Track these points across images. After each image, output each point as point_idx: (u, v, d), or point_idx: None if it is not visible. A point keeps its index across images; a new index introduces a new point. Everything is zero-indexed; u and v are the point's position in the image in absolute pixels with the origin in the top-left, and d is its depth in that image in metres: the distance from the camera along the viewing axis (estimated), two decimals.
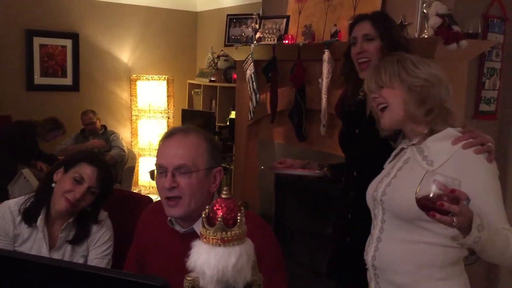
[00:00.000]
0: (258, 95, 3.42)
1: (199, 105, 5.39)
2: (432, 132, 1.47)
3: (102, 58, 5.48)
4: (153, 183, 4.97)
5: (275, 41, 3.42)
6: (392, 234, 1.50)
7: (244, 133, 3.90)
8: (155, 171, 1.57)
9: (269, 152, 3.70)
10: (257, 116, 3.57)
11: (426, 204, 1.20)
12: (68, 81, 5.31)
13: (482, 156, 1.39)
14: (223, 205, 1.03)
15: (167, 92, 5.54)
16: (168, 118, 5.57)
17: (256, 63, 3.44)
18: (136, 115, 5.64)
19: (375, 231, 1.55)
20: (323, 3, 3.24)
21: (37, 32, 5.07)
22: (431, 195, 1.18)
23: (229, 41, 4.25)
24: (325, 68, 2.88)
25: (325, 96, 2.90)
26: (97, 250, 1.87)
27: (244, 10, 4.66)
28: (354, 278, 1.77)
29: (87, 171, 1.81)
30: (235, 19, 4.32)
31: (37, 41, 5.09)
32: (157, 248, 1.62)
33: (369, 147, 1.83)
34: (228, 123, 4.75)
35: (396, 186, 1.49)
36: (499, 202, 1.39)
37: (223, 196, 1.04)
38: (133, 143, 5.65)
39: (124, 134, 5.52)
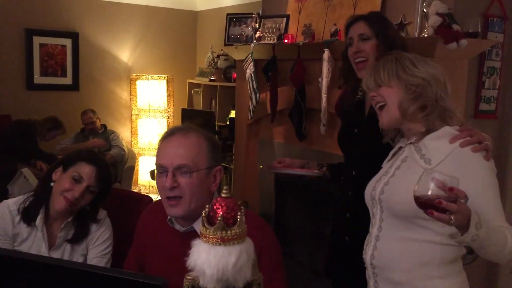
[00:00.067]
0: (258, 95, 3.42)
1: (199, 105, 5.39)
2: (429, 130, 1.48)
3: (102, 57, 5.48)
4: (153, 182, 4.98)
5: (275, 40, 3.42)
6: (390, 233, 1.51)
7: (244, 132, 3.90)
8: (155, 171, 1.56)
9: (269, 151, 3.70)
10: (257, 116, 3.57)
11: (424, 202, 1.20)
12: (68, 80, 5.31)
13: (479, 154, 1.40)
14: (223, 204, 1.03)
15: (167, 92, 5.53)
16: (168, 117, 5.57)
17: (256, 62, 3.44)
18: (136, 115, 5.64)
19: (373, 230, 1.56)
20: (323, 2, 3.24)
21: (37, 31, 5.07)
22: (429, 193, 1.19)
23: (229, 41, 4.25)
24: (325, 67, 2.87)
25: (325, 95, 2.90)
26: (96, 249, 1.86)
27: (244, 9, 4.66)
28: (353, 277, 1.77)
29: (85, 170, 1.81)
30: (235, 18, 4.32)
31: (37, 40, 5.09)
32: (157, 248, 1.62)
33: (368, 147, 1.84)
34: (228, 123, 4.75)
35: (394, 184, 1.50)
36: (497, 200, 1.40)
37: (223, 195, 1.04)
38: (133, 143, 5.65)
39: (124, 133, 5.52)
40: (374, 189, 1.56)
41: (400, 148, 1.57)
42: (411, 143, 1.52)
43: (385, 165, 1.60)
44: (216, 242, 0.99)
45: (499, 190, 1.41)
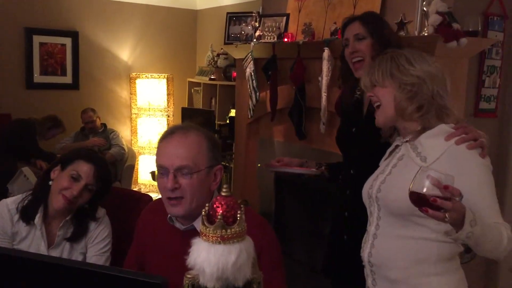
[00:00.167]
0: (258, 93, 3.42)
1: (199, 103, 5.38)
2: (425, 128, 1.48)
3: (101, 56, 5.48)
4: (153, 181, 4.98)
5: (275, 39, 3.42)
6: (387, 231, 1.52)
7: (244, 131, 3.90)
8: (156, 171, 1.56)
9: (269, 150, 3.70)
10: (257, 114, 3.57)
11: (419, 200, 1.21)
12: (67, 79, 5.31)
13: (475, 151, 1.40)
14: (223, 202, 1.03)
15: (167, 90, 5.53)
16: (168, 116, 5.57)
17: (256, 61, 3.44)
18: (136, 114, 5.64)
19: (371, 228, 1.57)
20: (323, 1, 3.23)
21: (36, 30, 5.07)
22: (424, 191, 1.19)
23: (229, 39, 4.24)
24: (325, 66, 2.87)
25: (325, 94, 2.89)
26: (95, 247, 1.86)
27: (244, 8, 4.66)
28: (352, 276, 1.78)
29: (84, 168, 1.81)
30: (235, 17, 4.31)
31: (37, 39, 5.09)
32: (157, 246, 1.62)
33: (366, 146, 1.85)
34: (228, 121, 4.75)
35: (391, 183, 1.50)
36: (493, 197, 1.40)
37: (223, 193, 1.04)
38: (133, 142, 5.65)
39: (124, 132, 5.52)
40: (371, 188, 1.56)
41: (397, 146, 1.58)
42: (407, 141, 1.52)
43: (382, 163, 1.61)
44: (216, 241, 0.99)
45: (494, 187, 1.42)
